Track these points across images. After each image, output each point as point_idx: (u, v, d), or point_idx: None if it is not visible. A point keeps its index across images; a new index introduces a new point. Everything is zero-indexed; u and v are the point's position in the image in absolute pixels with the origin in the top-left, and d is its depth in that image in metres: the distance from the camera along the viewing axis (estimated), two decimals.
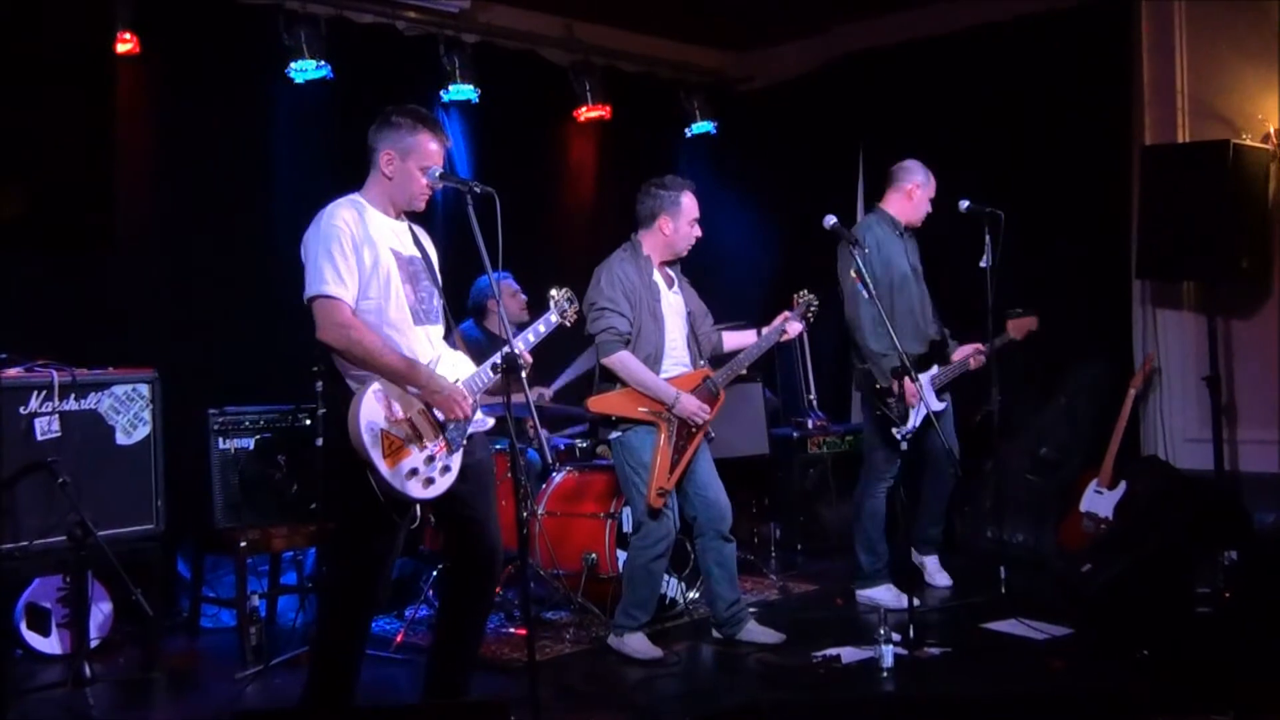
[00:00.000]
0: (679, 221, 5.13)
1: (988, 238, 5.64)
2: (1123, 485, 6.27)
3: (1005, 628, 5.25)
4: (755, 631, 5.23)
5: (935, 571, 6.20)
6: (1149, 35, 6.71)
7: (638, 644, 5.07)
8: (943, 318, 6.09)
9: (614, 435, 5.10)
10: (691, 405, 5.04)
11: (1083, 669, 4.76)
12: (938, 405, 5.85)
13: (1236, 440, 6.43)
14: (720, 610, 5.24)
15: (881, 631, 4.72)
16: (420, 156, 3.89)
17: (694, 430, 5.09)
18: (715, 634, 5.30)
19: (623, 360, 5.01)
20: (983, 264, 5.68)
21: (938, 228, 6.08)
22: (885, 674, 4.65)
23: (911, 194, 5.95)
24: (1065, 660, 4.82)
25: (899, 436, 5.38)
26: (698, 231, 5.18)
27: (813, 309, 5.37)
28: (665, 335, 5.11)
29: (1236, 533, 5.63)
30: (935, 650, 4.91)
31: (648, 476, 5.00)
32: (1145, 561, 5.45)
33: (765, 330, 5.33)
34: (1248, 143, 6.17)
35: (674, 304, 5.21)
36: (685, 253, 5.22)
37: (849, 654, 4.85)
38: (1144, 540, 5.59)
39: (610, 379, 5.08)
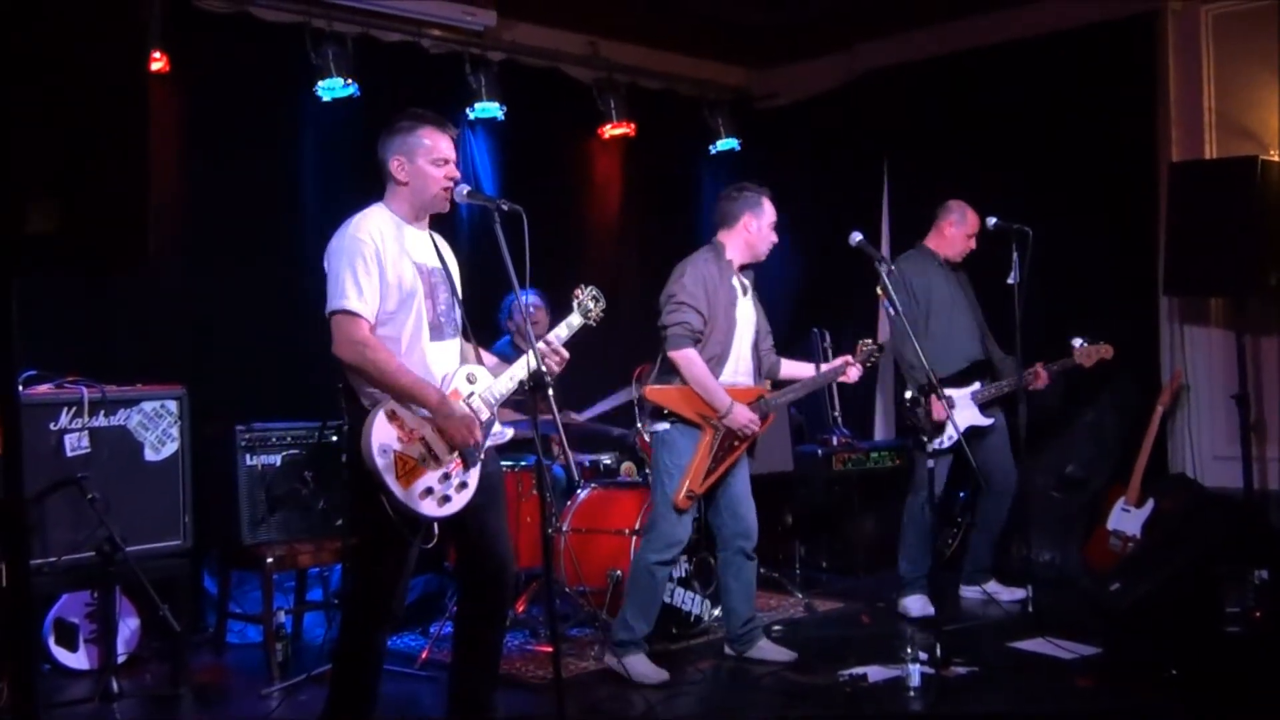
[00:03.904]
0: (762, 221, 5.16)
1: (1015, 255, 5.66)
2: (1150, 503, 6.24)
3: (1033, 647, 5.23)
4: (767, 649, 5.20)
5: (999, 591, 6.15)
6: (1175, 51, 6.68)
7: (641, 667, 4.96)
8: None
9: (660, 427, 5.06)
10: (744, 417, 5.00)
11: (1111, 688, 4.73)
12: (980, 420, 5.88)
13: (1266, 458, 6.38)
14: (734, 626, 5.23)
15: (908, 650, 4.69)
16: (427, 151, 3.86)
17: (737, 443, 5.08)
18: (727, 650, 5.28)
19: (689, 358, 4.97)
20: (1010, 281, 5.70)
21: None
22: (912, 693, 4.62)
23: (944, 230, 6.05)
24: (1093, 679, 4.81)
25: (929, 448, 5.36)
26: (775, 236, 5.20)
27: (874, 359, 5.31)
28: (735, 339, 5.09)
29: (1266, 551, 5.58)
30: (962, 669, 4.88)
31: (680, 478, 4.98)
32: (1174, 580, 5.39)
33: (824, 368, 5.33)
34: (1276, 158, 6.12)
35: (746, 311, 5.19)
36: (764, 255, 5.22)
37: (875, 673, 4.83)
38: (1172, 559, 5.53)
39: (671, 372, 5.05)
